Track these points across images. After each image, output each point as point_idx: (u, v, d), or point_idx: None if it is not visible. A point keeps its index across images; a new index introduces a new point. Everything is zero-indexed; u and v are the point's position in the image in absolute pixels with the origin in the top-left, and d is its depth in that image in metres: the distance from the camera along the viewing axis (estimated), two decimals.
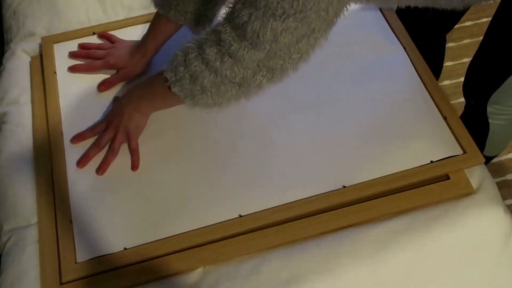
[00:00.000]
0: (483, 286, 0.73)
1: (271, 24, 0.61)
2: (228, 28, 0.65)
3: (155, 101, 0.81)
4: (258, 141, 0.85)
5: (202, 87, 0.70)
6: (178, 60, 0.71)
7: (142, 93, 0.82)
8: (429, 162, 0.81)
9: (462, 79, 1.68)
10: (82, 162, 0.83)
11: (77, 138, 0.85)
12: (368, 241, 0.76)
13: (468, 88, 1.12)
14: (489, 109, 1.03)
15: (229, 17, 0.65)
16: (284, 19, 0.61)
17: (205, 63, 0.68)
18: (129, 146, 0.84)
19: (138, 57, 0.92)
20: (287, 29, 0.62)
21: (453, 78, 1.71)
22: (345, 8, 0.66)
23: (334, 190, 0.79)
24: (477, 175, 0.83)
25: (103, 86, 0.92)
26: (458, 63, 1.75)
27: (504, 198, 0.87)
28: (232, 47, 0.65)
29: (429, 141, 0.84)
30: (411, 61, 0.94)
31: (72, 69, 0.95)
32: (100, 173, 0.81)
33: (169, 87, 0.73)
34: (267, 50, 0.65)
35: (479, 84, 1.05)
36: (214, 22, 0.75)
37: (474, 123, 1.03)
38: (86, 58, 0.96)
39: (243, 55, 0.65)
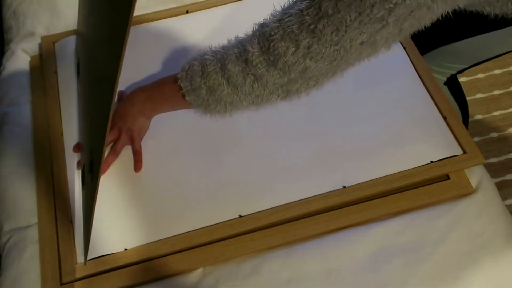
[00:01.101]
0: (483, 286, 0.73)
1: (306, 62, 0.62)
2: (256, 51, 0.65)
3: (163, 106, 0.81)
4: (258, 141, 0.85)
5: (218, 98, 0.70)
6: (194, 70, 0.71)
7: (149, 96, 0.81)
8: (429, 162, 0.81)
9: (462, 79, 1.69)
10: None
11: (78, 146, 0.85)
12: (368, 241, 0.77)
13: None
14: None
15: (261, 41, 0.65)
16: (320, 62, 0.62)
17: (225, 78, 0.68)
18: (132, 147, 0.84)
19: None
20: (317, 69, 0.63)
21: None
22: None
23: (334, 190, 0.79)
24: (476, 175, 0.83)
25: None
26: None
27: (503, 198, 0.87)
28: (259, 71, 0.66)
29: (429, 141, 0.84)
30: (411, 61, 0.94)
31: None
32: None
33: (183, 95, 0.73)
34: (291, 78, 0.66)
35: None
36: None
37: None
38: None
39: (267, 80, 0.66)
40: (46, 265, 0.75)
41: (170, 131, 0.87)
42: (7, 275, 0.76)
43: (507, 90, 1.67)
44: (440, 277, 0.74)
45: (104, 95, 0.59)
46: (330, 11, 0.57)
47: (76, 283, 0.73)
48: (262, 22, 0.66)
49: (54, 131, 0.87)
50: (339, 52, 0.61)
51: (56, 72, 0.95)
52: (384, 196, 0.79)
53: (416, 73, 0.93)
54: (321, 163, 0.82)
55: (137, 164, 0.83)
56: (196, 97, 0.72)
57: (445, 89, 1.10)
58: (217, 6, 1.04)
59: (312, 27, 0.59)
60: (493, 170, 1.49)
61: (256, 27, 0.67)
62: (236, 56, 0.67)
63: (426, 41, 1.00)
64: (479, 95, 1.66)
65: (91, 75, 0.75)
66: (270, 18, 0.64)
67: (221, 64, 0.68)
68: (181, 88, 0.73)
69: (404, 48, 0.96)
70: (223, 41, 0.72)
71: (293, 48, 0.62)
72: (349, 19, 0.57)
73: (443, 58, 1.04)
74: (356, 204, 0.79)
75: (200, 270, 0.75)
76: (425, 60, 0.97)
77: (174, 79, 0.74)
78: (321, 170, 0.81)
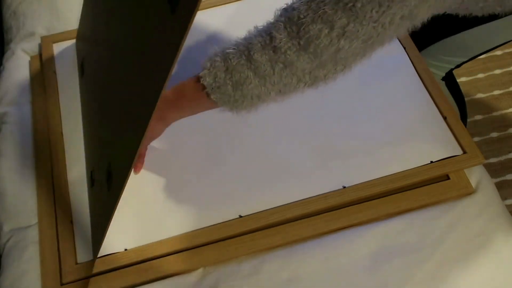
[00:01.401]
0: (483, 286, 0.73)
1: (340, 43, 0.60)
2: (284, 37, 0.62)
3: (185, 110, 0.77)
4: (258, 141, 0.85)
5: (245, 92, 0.67)
6: (216, 66, 0.67)
7: (169, 102, 0.76)
8: (429, 162, 0.81)
9: (462, 79, 1.69)
10: None
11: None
12: (368, 241, 0.77)
13: None
14: None
15: (288, 26, 0.61)
16: (355, 41, 0.60)
17: (252, 70, 0.65)
18: None
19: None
20: (351, 49, 0.61)
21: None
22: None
23: (334, 191, 0.79)
24: (476, 175, 0.83)
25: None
26: None
27: (503, 198, 0.87)
28: (288, 57, 0.62)
29: (429, 141, 0.84)
30: (411, 61, 0.94)
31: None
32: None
33: (207, 94, 0.69)
34: (322, 61, 0.63)
35: None
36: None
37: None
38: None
39: (297, 66, 0.63)
40: (46, 265, 0.75)
41: (170, 131, 0.87)
42: (7, 275, 0.76)
43: (507, 90, 1.67)
44: (440, 277, 0.74)
45: (140, 110, 0.58)
46: None
47: (76, 283, 0.73)
48: (285, 6, 0.63)
49: (54, 131, 0.88)
50: (377, 30, 0.58)
51: (55, 72, 0.96)
52: (384, 196, 0.79)
53: (416, 73, 0.92)
54: (321, 163, 0.82)
55: (137, 166, 0.82)
56: (222, 94, 0.68)
57: (443, 85, 1.09)
58: (217, 6, 1.04)
59: (349, 5, 0.57)
60: (493, 170, 1.49)
61: (279, 12, 0.64)
62: (262, 45, 0.63)
63: (426, 35, 0.99)
64: (479, 95, 1.66)
65: (113, 81, 0.72)
66: (295, 1, 0.61)
67: (245, 56, 0.65)
68: (204, 87, 0.69)
69: (404, 48, 0.96)
70: (229, 39, 0.69)
71: (327, 30, 0.59)
72: None
73: (443, 52, 1.03)
74: (356, 204, 0.79)
75: (200, 270, 0.75)
76: (424, 55, 0.97)
77: (196, 79, 0.70)
78: (321, 170, 0.81)
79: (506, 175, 1.51)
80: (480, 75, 1.70)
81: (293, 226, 0.77)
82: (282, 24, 0.62)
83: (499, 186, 0.85)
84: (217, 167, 0.83)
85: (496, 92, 1.67)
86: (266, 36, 0.63)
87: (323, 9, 0.58)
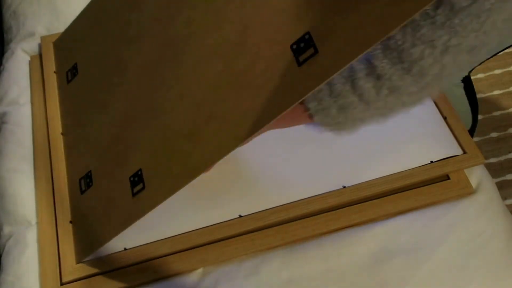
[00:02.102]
0: (483, 286, 0.73)
1: (444, 59, 0.60)
2: (386, 64, 0.62)
3: (279, 125, 0.76)
4: (258, 141, 0.85)
5: (349, 116, 0.68)
6: (320, 90, 0.67)
7: None
8: (429, 162, 0.81)
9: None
10: None
11: None
12: (368, 241, 0.77)
13: None
14: None
15: (387, 53, 0.62)
16: (458, 54, 0.60)
17: (357, 95, 0.65)
18: None
19: None
20: (456, 63, 0.61)
21: None
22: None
23: (334, 191, 0.79)
24: (476, 175, 0.83)
25: None
26: None
27: (504, 198, 0.87)
28: (393, 82, 0.63)
29: (429, 141, 0.84)
30: None
31: None
32: None
33: (310, 116, 0.70)
34: (427, 82, 0.63)
35: None
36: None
37: None
38: None
39: (402, 90, 0.64)
40: (46, 265, 0.75)
41: None
42: (7, 275, 0.76)
43: (507, 90, 1.67)
44: (440, 277, 0.74)
45: None
46: (464, 3, 0.55)
47: (76, 283, 0.73)
48: None
49: (53, 131, 0.87)
50: (479, 38, 0.58)
51: (56, 72, 0.95)
52: (384, 196, 0.79)
53: None
54: (321, 163, 0.82)
55: None
56: (325, 117, 0.69)
57: (461, 87, 1.07)
58: None
59: (447, 23, 0.57)
60: (493, 170, 1.49)
61: None
62: (365, 73, 0.64)
63: None
64: (479, 95, 1.66)
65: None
66: None
67: (350, 82, 0.65)
68: (307, 109, 0.69)
69: None
70: None
71: (429, 49, 0.59)
72: (490, 1, 0.55)
73: None
74: (356, 204, 0.79)
75: (200, 270, 0.75)
76: None
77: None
78: (321, 170, 0.81)
79: (506, 175, 1.51)
80: (480, 75, 1.70)
81: (293, 226, 0.77)
82: (380, 52, 0.62)
83: (499, 186, 0.85)
84: (216, 167, 0.83)
85: (496, 92, 1.67)
86: (367, 64, 0.64)
87: (420, 32, 0.58)
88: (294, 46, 0.57)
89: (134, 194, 0.70)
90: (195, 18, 0.71)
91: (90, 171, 0.79)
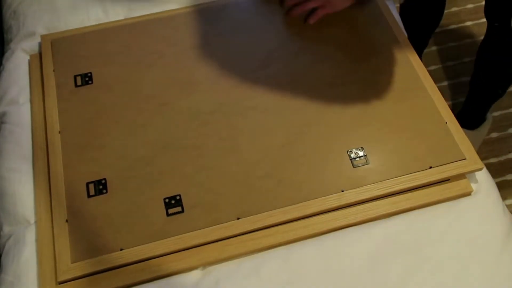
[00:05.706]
0: (483, 286, 0.73)
1: None
2: None
3: None
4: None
5: None
6: None
7: None
8: (428, 167, 0.81)
9: (462, 79, 1.69)
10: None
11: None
12: (368, 241, 0.77)
13: (490, 10, 1.09)
14: None
15: None
16: None
17: None
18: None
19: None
20: None
21: (453, 79, 1.71)
22: None
23: (332, 194, 0.79)
24: (476, 175, 0.83)
25: (312, 19, 0.98)
26: (458, 63, 1.75)
27: (504, 198, 0.87)
28: None
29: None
30: (413, 66, 0.94)
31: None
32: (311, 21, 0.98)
33: None
34: None
35: (502, 4, 1.03)
36: None
37: (500, 49, 1.08)
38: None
39: None
40: (44, 265, 0.75)
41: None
42: (7, 274, 0.76)
43: (507, 90, 1.67)
44: (440, 277, 0.74)
45: None
46: None
47: (73, 283, 0.73)
48: None
49: (51, 130, 0.87)
50: None
51: (55, 71, 0.95)
52: (384, 197, 0.79)
53: (419, 77, 0.92)
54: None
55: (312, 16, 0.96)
56: None
57: None
58: None
59: None
60: (493, 170, 1.49)
61: None
62: None
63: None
64: None
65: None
66: None
67: None
68: None
69: (406, 53, 0.96)
70: None
71: None
72: None
73: None
74: (356, 205, 0.79)
75: (200, 270, 0.75)
76: None
77: None
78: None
79: (506, 175, 1.51)
80: None
81: (293, 226, 0.77)
82: None
83: (499, 186, 0.85)
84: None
85: None
86: None
87: None
88: None
89: (168, 215, 0.77)
90: None
91: (104, 179, 0.80)
